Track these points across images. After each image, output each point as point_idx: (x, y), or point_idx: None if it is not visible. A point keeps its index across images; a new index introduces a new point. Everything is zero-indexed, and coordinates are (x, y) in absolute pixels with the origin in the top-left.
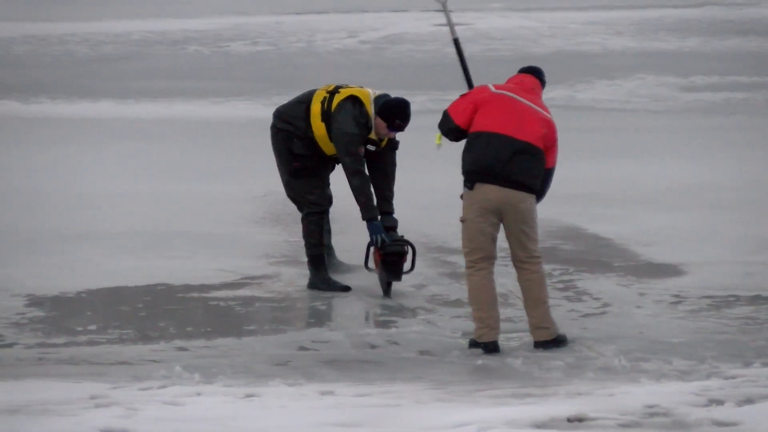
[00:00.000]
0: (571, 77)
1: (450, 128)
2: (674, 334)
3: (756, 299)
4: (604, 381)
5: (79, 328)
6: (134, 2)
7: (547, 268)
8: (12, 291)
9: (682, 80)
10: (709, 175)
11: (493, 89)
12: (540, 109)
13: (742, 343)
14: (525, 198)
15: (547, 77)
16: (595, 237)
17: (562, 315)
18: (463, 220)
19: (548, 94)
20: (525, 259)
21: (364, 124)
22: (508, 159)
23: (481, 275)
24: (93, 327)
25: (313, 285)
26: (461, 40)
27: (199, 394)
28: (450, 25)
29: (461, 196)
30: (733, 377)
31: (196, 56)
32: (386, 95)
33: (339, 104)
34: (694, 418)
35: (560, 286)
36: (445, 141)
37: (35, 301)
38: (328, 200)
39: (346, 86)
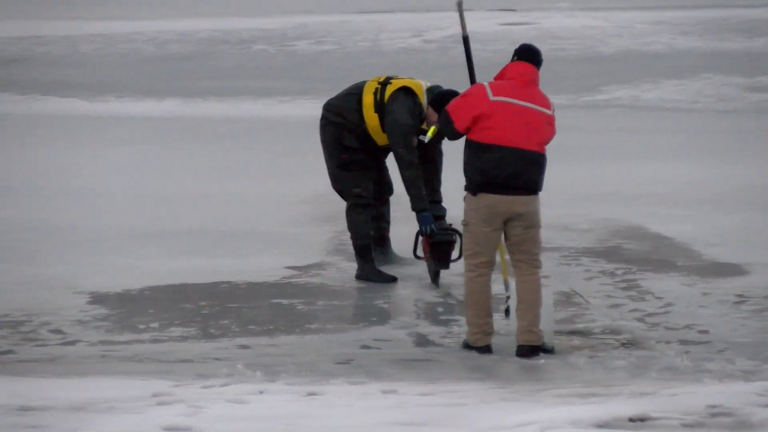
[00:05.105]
0: (638, 77)
1: (452, 132)
2: (738, 334)
3: None
4: (667, 381)
5: (143, 326)
6: (201, 1)
7: (610, 267)
8: (75, 288)
9: (749, 80)
10: None
11: (491, 95)
12: (542, 109)
13: None
14: (530, 201)
15: (614, 77)
16: (658, 236)
17: (625, 314)
18: (465, 224)
19: (614, 94)
20: (525, 260)
21: (418, 115)
22: (518, 172)
23: (480, 281)
24: (156, 325)
25: (360, 276)
26: (471, 39)
27: (262, 392)
28: (462, 23)
29: (464, 199)
30: None
31: (262, 55)
32: (438, 87)
33: (392, 95)
34: (759, 418)
35: (623, 285)
36: None
37: (99, 299)
38: (388, 190)
39: (397, 77)
